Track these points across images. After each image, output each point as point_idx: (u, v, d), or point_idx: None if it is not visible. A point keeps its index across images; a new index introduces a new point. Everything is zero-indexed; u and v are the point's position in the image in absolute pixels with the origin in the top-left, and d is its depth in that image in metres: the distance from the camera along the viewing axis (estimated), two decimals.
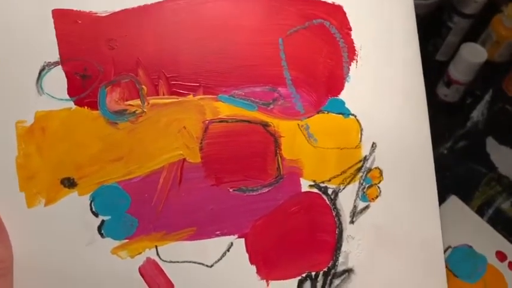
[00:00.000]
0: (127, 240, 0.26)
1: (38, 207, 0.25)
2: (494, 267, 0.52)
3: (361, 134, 0.27)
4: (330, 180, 0.27)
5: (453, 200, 0.56)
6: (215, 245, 0.26)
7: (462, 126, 0.63)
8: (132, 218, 0.26)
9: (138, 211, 0.26)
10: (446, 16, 0.60)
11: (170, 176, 0.26)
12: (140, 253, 0.26)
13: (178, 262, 0.26)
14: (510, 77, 0.63)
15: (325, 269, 0.27)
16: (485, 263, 0.52)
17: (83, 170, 0.25)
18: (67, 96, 0.25)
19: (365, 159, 0.27)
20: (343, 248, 0.27)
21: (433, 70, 0.62)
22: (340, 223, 0.27)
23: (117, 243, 0.26)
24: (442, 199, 0.55)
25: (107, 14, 0.26)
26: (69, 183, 0.25)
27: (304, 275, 0.27)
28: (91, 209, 0.25)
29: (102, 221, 0.25)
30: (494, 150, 0.62)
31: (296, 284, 0.27)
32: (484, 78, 0.62)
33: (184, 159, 0.26)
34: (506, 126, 0.64)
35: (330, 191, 0.27)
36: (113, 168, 0.26)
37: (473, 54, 0.56)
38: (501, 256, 0.53)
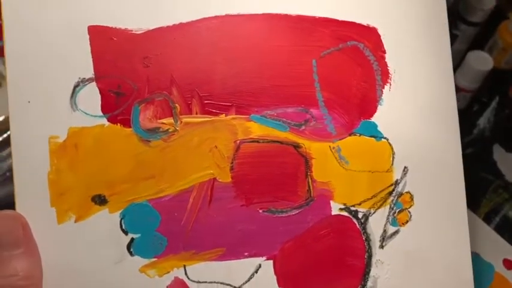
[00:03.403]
0: (156, 259, 0.25)
1: (68, 223, 0.25)
2: (501, 275, 0.52)
3: (393, 158, 0.27)
4: (360, 204, 0.27)
5: None
6: (243, 266, 0.26)
7: (469, 133, 0.62)
8: (161, 237, 0.25)
9: (167, 230, 0.25)
10: (453, 24, 0.60)
11: (200, 196, 0.26)
12: (168, 272, 0.26)
13: (206, 282, 0.26)
14: None
15: None
16: (493, 271, 0.52)
17: (114, 188, 0.25)
18: (100, 113, 0.25)
19: (396, 183, 0.27)
20: (371, 273, 0.27)
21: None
22: (370, 247, 0.27)
23: (145, 261, 0.25)
24: None
25: (142, 31, 0.26)
26: (100, 200, 0.25)
27: None
28: (121, 226, 0.25)
29: (132, 239, 0.25)
30: (501, 157, 0.62)
31: None
32: (491, 85, 0.61)
33: (214, 179, 0.26)
34: None
35: (360, 215, 0.27)
36: (144, 186, 0.25)
37: (480, 62, 0.56)
38: (508, 264, 0.53)
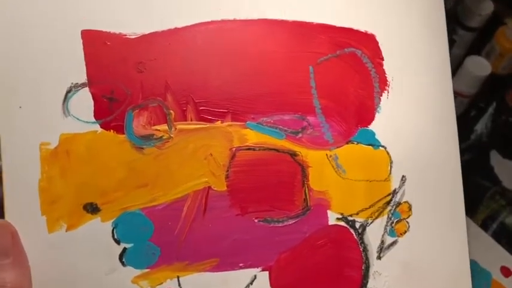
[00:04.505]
0: (148, 270, 0.25)
1: (59, 232, 0.24)
2: (499, 283, 0.52)
3: (391, 167, 0.27)
4: (357, 214, 0.26)
5: None
6: (238, 277, 0.25)
7: (466, 139, 0.62)
8: (154, 247, 0.25)
9: (161, 239, 0.25)
10: (451, 29, 0.60)
11: (195, 205, 0.25)
12: (161, 283, 0.25)
13: None
14: None
15: None
16: (490, 278, 0.52)
17: (107, 196, 0.25)
18: (93, 119, 0.25)
19: (394, 192, 0.27)
20: (369, 285, 0.26)
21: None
22: (367, 258, 0.26)
23: (138, 272, 0.25)
24: None
25: (137, 36, 0.25)
26: (92, 208, 0.25)
27: None
28: (113, 236, 0.25)
29: (124, 249, 0.25)
30: (498, 163, 0.62)
31: None
32: (488, 90, 0.61)
33: (209, 187, 0.25)
34: (510, 139, 0.63)
35: (357, 225, 0.26)
36: (137, 195, 0.25)
37: (478, 67, 0.57)
38: (506, 271, 0.52)
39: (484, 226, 0.58)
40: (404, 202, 0.27)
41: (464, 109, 0.61)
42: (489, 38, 0.61)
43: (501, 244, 0.54)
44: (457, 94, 0.59)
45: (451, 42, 0.60)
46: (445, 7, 0.57)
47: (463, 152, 0.63)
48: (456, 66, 0.59)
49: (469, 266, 0.27)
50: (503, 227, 0.58)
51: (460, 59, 0.60)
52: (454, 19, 0.58)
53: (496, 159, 0.62)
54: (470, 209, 0.58)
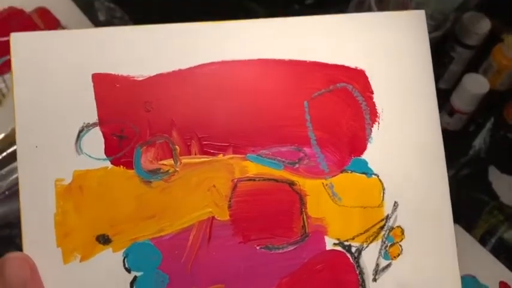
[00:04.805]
0: None
1: (74, 263, 0.26)
2: None
3: (384, 193, 0.28)
4: (353, 239, 0.28)
5: (456, 229, 0.56)
6: None
7: (464, 154, 0.63)
8: (163, 274, 0.27)
9: (169, 267, 0.27)
10: (449, 46, 0.61)
11: (200, 234, 0.27)
12: None
13: None
14: (511, 105, 0.64)
15: None
16: None
17: (118, 227, 0.26)
18: (104, 156, 0.27)
19: (387, 218, 0.28)
20: None
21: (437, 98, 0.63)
22: (363, 281, 0.28)
23: None
24: None
25: (144, 78, 0.27)
26: (104, 240, 0.26)
27: None
28: (124, 265, 0.26)
29: (135, 277, 0.26)
30: (497, 178, 0.62)
31: None
32: (486, 106, 0.62)
33: (213, 217, 0.27)
34: (508, 154, 0.64)
35: (353, 249, 0.28)
36: (146, 226, 0.27)
37: (476, 85, 0.57)
38: (504, 287, 0.53)
39: (483, 241, 0.58)
40: (397, 227, 0.28)
41: (463, 125, 0.63)
42: (486, 55, 0.63)
43: (499, 259, 0.55)
44: (455, 111, 0.60)
45: (450, 59, 0.61)
46: (444, 26, 0.58)
47: (461, 167, 0.64)
48: (455, 83, 0.61)
49: (460, 284, 0.29)
50: (501, 241, 0.59)
51: (458, 76, 0.61)
52: (453, 37, 0.60)
53: (494, 175, 0.63)
54: (469, 224, 0.58)
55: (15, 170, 0.48)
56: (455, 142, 0.62)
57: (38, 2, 0.57)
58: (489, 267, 0.54)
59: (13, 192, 0.47)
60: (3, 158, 0.50)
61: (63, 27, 0.56)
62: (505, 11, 0.61)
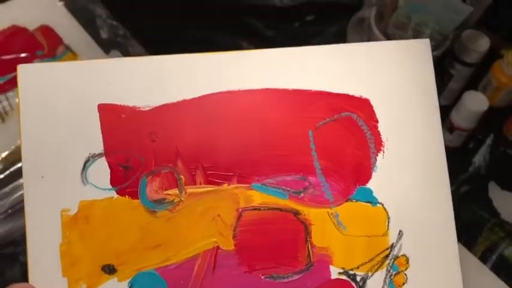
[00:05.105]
0: None
1: None
2: None
3: (388, 222, 0.28)
4: (358, 268, 0.28)
5: None
6: None
7: (464, 171, 0.63)
8: None
9: None
10: (448, 64, 0.62)
11: (205, 264, 0.27)
12: None
13: None
14: (511, 121, 0.64)
15: None
16: None
17: (123, 257, 0.26)
18: (110, 186, 0.27)
19: (392, 246, 0.28)
20: None
21: None
22: None
23: None
24: None
25: (149, 108, 0.27)
26: (109, 269, 0.26)
27: None
28: None
29: None
30: (497, 195, 0.62)
31: None
32: (486, 122, 0.63)
33: (218, 247, 0.27)
34: (508, 171, 0.64)
35: (358, 278, 0.28)
36: (151, 255, 0.27)
37: (476, 102, 0.58)
38: None
39: (484, 258, 0.58)
40: (402, 255, 0.28)
41: (462, 142, 0.63)
42: (485, 72, 0.63)
43: (500, 276, 0.55)
44: (455, 128, 0.60)
45: (449, 77, 0.62)
46: (444, 45, 0.58)
47: (461, 184, 0.64)
48: (454, 100, 0.61)
49: None
50: (502, 258, 0.59)
51: (458, 93, 0.62)
52: (452, 55, 0.60)
53: (494, 191, 0.63)
54: (469, 241, 0.58)
55: (19, 187, 0.48)
56: (455, 159, 0.62)
57: (40, 20, 0.57)
58: (490, 285, 0.54)
59: (17, 209, 0.47)
60: (7, 175, 0.50)
61: (65, 45, 0.56)
62: (505, 27, 0.62)
